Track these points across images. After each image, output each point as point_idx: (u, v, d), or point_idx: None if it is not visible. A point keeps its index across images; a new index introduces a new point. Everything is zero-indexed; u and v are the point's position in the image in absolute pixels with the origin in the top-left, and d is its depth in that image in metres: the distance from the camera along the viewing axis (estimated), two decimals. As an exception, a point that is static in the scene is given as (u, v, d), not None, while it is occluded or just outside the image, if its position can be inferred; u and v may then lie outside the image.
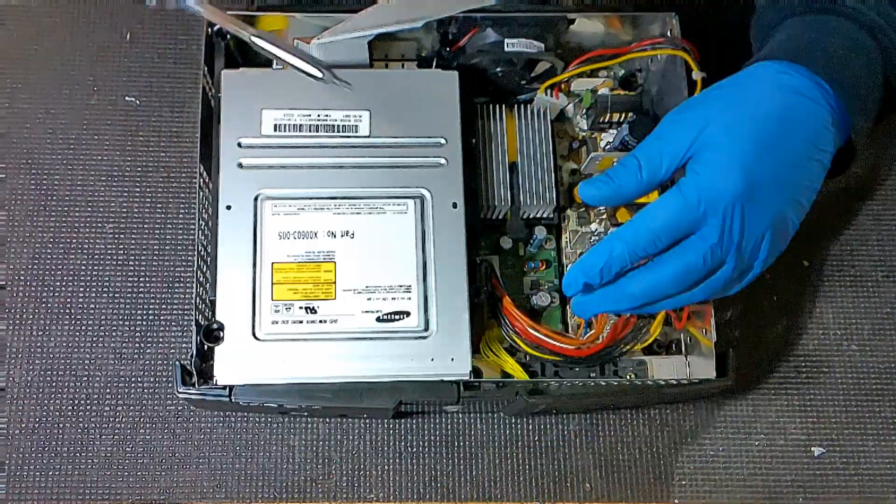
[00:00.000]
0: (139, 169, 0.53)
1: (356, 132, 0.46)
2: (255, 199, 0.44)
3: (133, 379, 0.50)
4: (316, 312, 0.43)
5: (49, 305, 0.51)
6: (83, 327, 0.51)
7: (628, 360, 0.47)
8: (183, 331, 0.51)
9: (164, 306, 0.51)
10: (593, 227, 0.48)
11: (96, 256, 0.52)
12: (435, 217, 0.45)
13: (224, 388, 0.43)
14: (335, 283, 0.44)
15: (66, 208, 0.52)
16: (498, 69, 0.48)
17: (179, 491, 0.49)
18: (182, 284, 0.51)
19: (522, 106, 0.50)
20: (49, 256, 0.52)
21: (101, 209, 0.52)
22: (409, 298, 0.44)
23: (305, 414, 0.49)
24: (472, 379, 0.43)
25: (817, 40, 0.41)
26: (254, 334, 0.43)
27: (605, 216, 0.48)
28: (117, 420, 0.50)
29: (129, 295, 0.51)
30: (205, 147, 0.46)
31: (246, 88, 0.46)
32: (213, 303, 0.43)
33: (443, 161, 0.46)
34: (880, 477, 0.51)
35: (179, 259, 0.52)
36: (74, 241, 0.52)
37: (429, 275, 0.44)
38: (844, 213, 0.55)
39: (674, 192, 0.40)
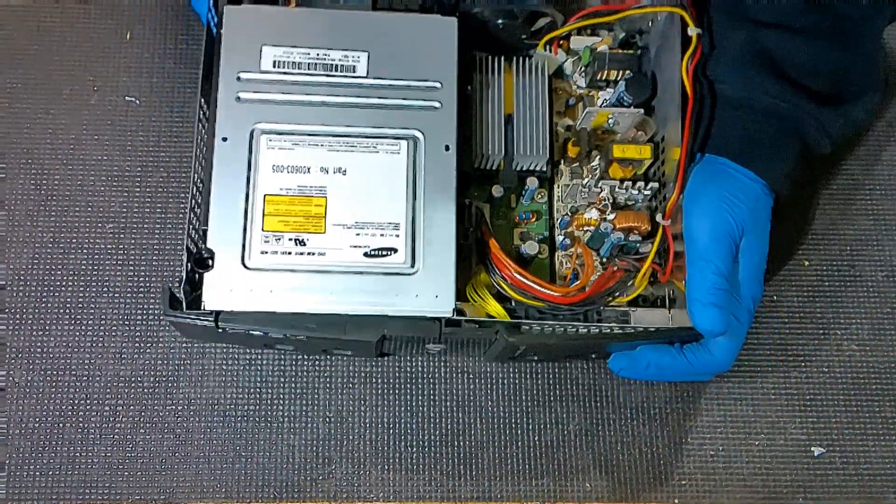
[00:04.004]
0: (139, 169, 0.53)
1: (354, 72, 0.46)
2: (251, 132, 0.45)
3: (133, 379, 0.50)
4: (305, 245, 0.44)
5: (49, 305, 0.51)
6: (83, 327, 0.51)
7: (612, 311, 0.47)
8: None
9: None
10: (585, 180, 0.49)
11: (96, 256, 0.52)
12: (427, 158, 0.45)
13: (210, 313, 0.43)
14: (325, 217, 0.44)
15: (66, 208, 0.52)
16: (499, 21, 0.49)
17: (179, 491, 0.49)
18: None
19: (521, 60, 0.50)
20: (49, 256, 0.52)
21: (101, 209, 0.52)
22: (398, 236, 0.44)
23: (291, 348, 0.50)
24: (454, 317, 0.44)
25: (758, 144, 0.48)
26: (243, 263, 0.43)
27: (597, 171, 0.48)
28: (117, 420, 0.50)
29: (129, 295, 0.51)
30: (206, 81, 0.46)
31: (247, 24, 0.46)
32: (204, 232, 0.44)
33: (437, 104, 0.46)
34: (880, 477, 0.51)
35: (179, 259, 0.52)
36: (74, 241, 0.52)
37: (418, 214, 0.45)
38: (844, 213, 0.55)
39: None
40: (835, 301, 0.54)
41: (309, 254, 0.44)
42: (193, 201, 0.45)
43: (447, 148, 0.45)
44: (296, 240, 0.44)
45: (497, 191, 0.49)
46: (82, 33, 0.55)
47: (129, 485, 0.49)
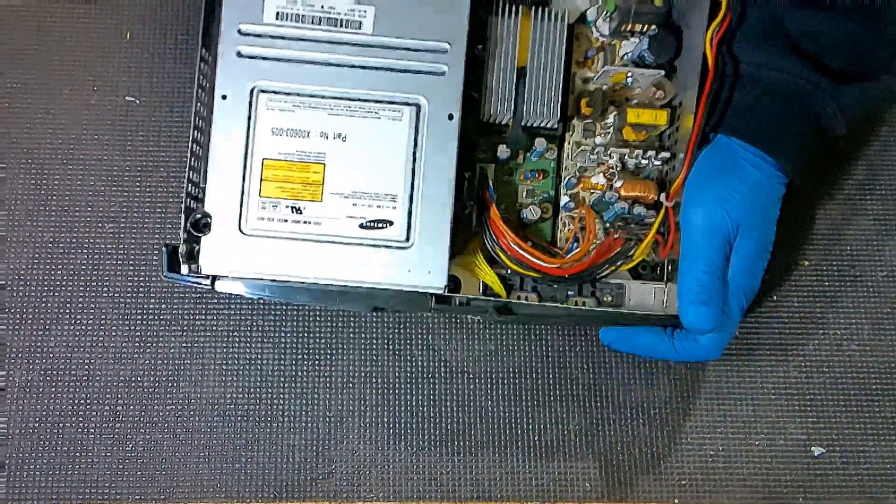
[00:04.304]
0: (139, 169, 0.53)
1: (359, 28, 0.45)
2: (252, 91, 0.44)
3: (133, 379, 0.50)
4: (301, 213, 0.44)
5: (49, 305, 0.51)
6: (83, 327, 0.51)
7: (606, 283, 0.47)
8: (183, 330, 0.51)
9: (163, 306, 0.51)
10: (598, 139, 0.47)
11: (96, 256, 0.52)
12: (429, 127, 0.44)
13: (207, 277, 0.44)
14: (323, 185, 0.44)
15: (66, 208, 0.52)
16: None
17: (179, 491, 0.49)
18: (182, 285, 0.51)
19: (540, 7, 0.47)
20: (49, 256, 0.52)
21: (101, 209, 0.52)
22: (394, 208, 0.44)
23: (283, 302, 0.51)
24: (445, 293, 0.44)
25: (768, 123, 0.46)
26: (240, 228, 0.44)
27: (610, 130, 0.47)
28: (117, 420, 0.50)
29: (129, 295, 0.51)
30: (206, 32, 0.45)
31: None
32: (202, 192, 0.44)
33: (444, 69, 0.45)
34: (880, 477, 0.51)
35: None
36: (74, 241, 0.52)
37: (416, 186, 0.44)
38: (844, 213, 0.55)
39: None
40: (835, 301, 0.54)
41: (305, 222, 0.44)
42: (193, 159, 0.44)
43: (451, 117, 0.44)
44: (292, 207, 0.44)
45: (502, 151, 0.48)
46: (82, 33, 0.55)
47: (129, 485, 0.49)
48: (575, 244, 0.47)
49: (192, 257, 0.44)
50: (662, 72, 0.47)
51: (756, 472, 0.51)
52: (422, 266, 0.44)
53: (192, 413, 0.50)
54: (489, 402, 0.51)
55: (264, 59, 0.44)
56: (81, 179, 0.53)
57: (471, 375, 0.51)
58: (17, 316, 0.51)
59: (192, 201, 0.44)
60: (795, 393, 0.52)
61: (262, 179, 0.44)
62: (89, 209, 0.52)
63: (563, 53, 0.47)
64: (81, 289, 0.51)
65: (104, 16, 0.55)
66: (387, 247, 0.44)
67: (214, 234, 0.44)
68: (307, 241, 0.44)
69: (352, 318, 0.52)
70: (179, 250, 0.44)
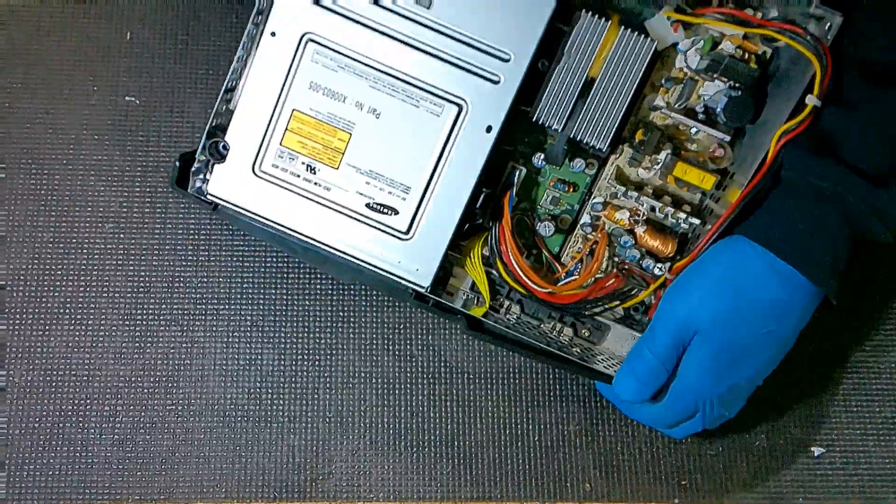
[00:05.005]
0: (139, 169, 0.53)
1: (428, 7, 0.42)
2: (302, 37, 0.43)
3: (133, 379, 0.50)
4: (315, 173, 0.44)
5: (49, 305, 0.51)
6: (83, 327, 0.51)
7: (591, 321, 0.48)
8: (183, 330, 0.51)
9: (164, 306, 0.51)
10: (640, 171, 0.46)
11: (96, 256, 0.52)
12: (464, 132, 0.43)
13: (211, 202, 0.45)
14: (344, 154, 0.44)
15: (66, 208, 0.52)
16: None
17: (179, 491, 0.49)
18: (182, 285, 0.51)
19: (630, 28, 0.43)
20: (49, 256, 0.52)
21: (101, 209, 0.52)
22: (404, 199, 0.44)
23: (271, 245, 0.52)
24: (426, 293, 0.45)
25: (799, 232, 0.43)
26: (253, 168, 0.44)
27: (658, 167, 0.45)
28: (117, 420, 0.50)
29: (129, 295, 0.51)
30: None
31: None
32: (228, 121, 0.44)
33: (500, 77, 0.43)
34: (880, 477, 0.51)
35: (179, 259, 0.52)
36: (74, 241, 0.52)
37: (432, 185, 0.44)
38: (844, 213, 0.55)
39: (669, 394, 0.45)
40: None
41: (316, 184, 0.44)
42: (231, 81, 0.44)
43: (489, 129, 0.43)
44: (308, 165, 0.44)
45: (538, 159, 0.46)
46: (82, 33, 0.55)
47: (129, 485, 0.49)
48: (577, 267, 0.47)
49: (202, 179, 0.45)
50: (728, 137, 0.45)
51: (756, 472, 0.51)
52: (413, 261, 0.44)
53: (192, 413, 0.50)
54: (489, 402, 0.51)
55: (325, 7, 0.43)
56: (81, 179, 0.53)
57: (471, 375, 0.51)
58: (17, 316, 0.51)
59: (218, 123, 0.44)
60: (796, 393, 0.52)
61: (286, 129, 0.44)
62: (89, 209, 0.52)
63: (639, 76, 0.44)
64: (81, 289, 0.51)
65: (104, 16, 0.55)
66: (386, 232, 0.44)
67: (228, 165, 0.44)
68: (313, 201, 0.44)
69: (352, 318, 0.52)
70: (192, 168, 0.45)
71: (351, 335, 0.51)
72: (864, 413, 0.52)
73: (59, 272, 0.51)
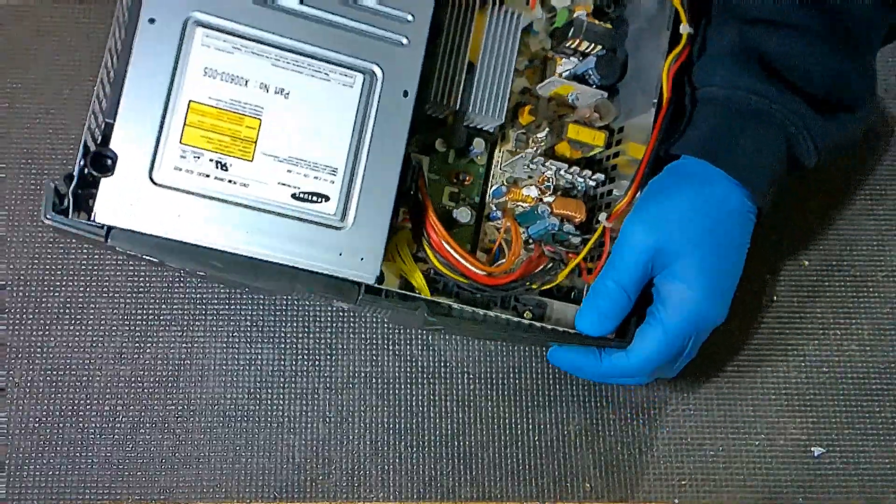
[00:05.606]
0: (139, 169, 0.53)
1: None
2: (186, 20, 0.38)
3: (133, 379, 0.50)
4: (227, 170, 0.39)
5: (49, 305, 0.51)
6: (83, 327, 0.51)
7: (529, 298, 0.46)
8: (183, 330, 0.51)
9: (164, 306, 0.51)
10: (528, 151, 0.47)
11: (96, 256, 0.52)
12: (381, 100, 0.40)
13: (102, 226, 0.37)
14: (256, 143, 0.39)
15: (66, 208, 0.52)
16: None
17: (179, 491, 0.49)
18: (182, 285, 0.51)
19: (496, 4, 0.44)
20: (49, 256, 0.52)
21: (101, 209, 0.52)
22: (333, 182, 0.40)
23: (199, 274, 0.45)
24: (376, 285, 0.40)
25: (734, 144, 0.45)
26: (150, 176, 0.37)
27: (542, 143, 0.46)
28: (117, 420, 0.50)
29: (129, 295, 0.51)
30: None
31: None
32: (109, 127, 0.37)
33: (405, 40, 0.40)
34: (880, 477, 0.51)
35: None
36: (74, 241, 0.52)
37: (359, 162, 0.40)
38: (844, 213, 0.55)
39: (657, 331, 0.44)
40: (835, 301, 0.54)
41: (230, 181, 0.38)
42: (101, 88, 0.38)
43: (405, 93, 0.40)
44: (217, 162, 0.38)
45: (441, 145, 0.46)
46: (82, 33, 0.55)
47: (129, 485, 0.49)
48: (499, 254, 0.46)
49: (84, 202, 0.37)
50: (605, 93, 0.47)
51: (756, 472, 0.51)
52: (354, 251, 0.39)
53: (192, 413, 0.50)
54: (489, 402, 0.51)
55: None
56: (81, 179, 0.53)
57: (471, 375, 0.51)
58: (17, 316, 0.51)
59: (94, 136, 0.38)
60: (795, 393, 0.52)
61: (185, 124, 0.38)
62: (89, 209, 0.52)
63: (515, 55, 0.45)
64: (81, 289, 0.51)
65: (104, 16, 0.55)
66: (319, 223, 0.39)
67: (118, 178, 0.37)
68: (230, 203, 0.38)
69: (352, 318, 0.52)
70: (70, 189, 0.37)
71: (351, 335, 0.51)
72: (864, 413, 0.52)
73: (59, 272, 0.51)
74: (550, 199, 0.47)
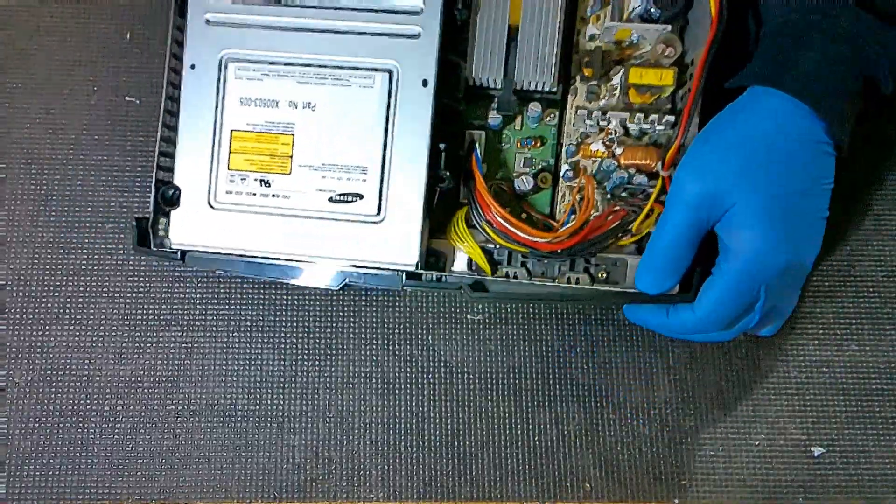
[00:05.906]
0: (139, 169, 0.53)
1: None
2: (220, 60, 0.43)
3: (133, 379, 0.50)
4: (270, 186, 0.43)
5: (49, 305, 0.51)
6: (83, 327, 0.51)
7: (604, 258, 0.45)
8: (183, 330, 0.51)
9: (164, 306, 0.51)
10: (602, 102, 0.44)
11: (96, 256, 0.52)
12: (402, 94, 0.42)
13: (177, 252, 0.44)
14: (292, 157, 0.43)
15: (66, 208, 0.52)
16: None
17: (179, 491, 0.49)
18: (182, 285, 0.51)
19: None
20: (49, 256, 0.52)
21: (101, 209, 0.52)
22: (365, 181, 0.43)
23: (254, 278, 0.50)
24: (416, 269, 0.43)
25: (799, 62, 0.41)
26: (209, 202, 0.43)
27: (617, 92, 0.43)
28: (117, 420, 0.50)
29: (129, 295, 0.51)
30: (182, 2, 0.44)
31: None
32: (172, 164, 0.44)
33: (417, 31, 0.42)
34: (880, 477, 0.51)
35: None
36: (74, 241, 0.52)
37: (388, 158, 0.43)
38: (844, 213, 0.55)
39: (718, 281, 0.42)
40: (835, 301, 0.54)
41: (274, 196, 0.43)
42: (165, 130, 0.44)
43: (425, 83, 0.42)
44: (261, 180, 0.43)
45: (493, 118, 0.45)
46: (82, 33, 0.55)
47: (129, 485, 0.49)
48: (572, 216, 0.45)
49: (162, 231, 0.44)
50: (669, 27, 0.43)
51: (756, 472, 0.51)
52: (393, 242, 0.43)
53: (192, 413, 0.50)
54: (489, 402, 0.51)
55: (232, 25, 0.43)
56: (81, 179, 0.53)
57: (471, 375, 0.51)
58: (17, 316, 0.51)
59: (163, 174, 0.44)
60: (795, 393, 0.52)
61: (230, 152, 0.43)
62: (89, 209, 0.52)
63: (561, 9, 0.43)
64: (81, 289, 0.51)
65: (104, 16, 0.55)
66: (357, 221, 0.43)
67: (184, 208, 0.43)
68: (275, 215, 0.43)
69: (352, 318, 0.52)
70: (150, 224, 0.44)
71: (351, 335, 0.51)
72: (864, 413, 0.52)
73: (59, 272, 0.51)
74: (619, 150, 0.44)
